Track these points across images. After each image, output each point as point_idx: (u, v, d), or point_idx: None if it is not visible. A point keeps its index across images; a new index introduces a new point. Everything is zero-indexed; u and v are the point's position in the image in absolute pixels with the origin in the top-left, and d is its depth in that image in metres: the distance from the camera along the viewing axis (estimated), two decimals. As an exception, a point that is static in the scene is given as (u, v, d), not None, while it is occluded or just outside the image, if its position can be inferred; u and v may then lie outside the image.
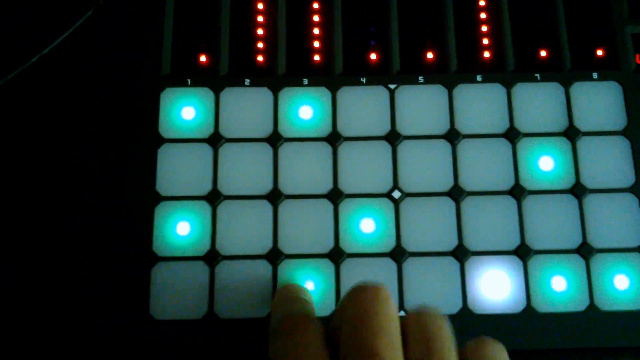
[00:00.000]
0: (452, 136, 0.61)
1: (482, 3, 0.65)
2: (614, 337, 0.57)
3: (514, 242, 0.59)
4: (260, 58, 0.64)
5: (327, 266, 0.58)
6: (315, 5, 0.65)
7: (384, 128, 0.62)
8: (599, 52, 0.64)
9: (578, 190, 0.60)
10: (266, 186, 0.60)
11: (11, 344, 0.58)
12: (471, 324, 0.57)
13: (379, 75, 0.63)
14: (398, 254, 0.58)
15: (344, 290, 0.57)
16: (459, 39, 0.65)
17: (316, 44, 0.64)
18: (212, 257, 0.58)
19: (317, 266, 0.58)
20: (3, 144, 0.63)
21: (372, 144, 0.61)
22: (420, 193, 0.60)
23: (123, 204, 0.59)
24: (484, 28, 0.65)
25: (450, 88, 0.63)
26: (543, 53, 0.64)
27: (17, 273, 0.59)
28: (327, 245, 0.59)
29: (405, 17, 0.65)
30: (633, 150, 0.61)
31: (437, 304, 0.57)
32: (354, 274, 0.58)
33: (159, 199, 0.60)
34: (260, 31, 0.65)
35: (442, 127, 0.62)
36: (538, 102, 0.62)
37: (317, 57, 0.64)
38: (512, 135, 0.61)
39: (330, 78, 0.63)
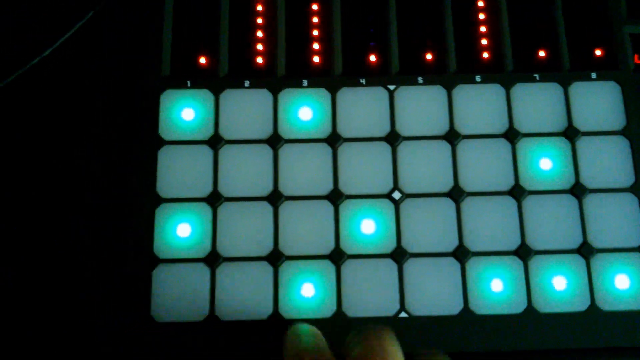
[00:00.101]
0: (452, 137, 0.61)
1: (480, 4, 0.65)
2: (614, 337, 0.57)
3: (514, 242, 0.59)
4: (259, 59, 0.64)
5: (328, 267, 0.58)
6: (315, 7, 0.65)
7: (384, 129, 0.62)
8: (598, 52, 0.64)
9: (578, 190, 0.60)
10: (266, 188, 0.60)
11: (12, 345, 0.58)
12: (472, 324, 0.57)
13: (378, 76, 0.63)
14: (399, 255, 0.58)
15: (345, 292, 0.58)
16: (458, 39, 0.65)
17: (316, 45, 0.64)
18: (212, 259, 0.58)
19: (317, 267, 0.58)
20: (3, 145, 0.63)
21: (372, 144, 0.61)
22: (421, 194, 0.60)
23: (123, 206, 0.59)
24: (483, 29, 0.65)
25: (449, 89, 0.63)
26: (542, 53, 0.64)
27: (17, 275, 0.59)
28: (328, 246, 0.59)
29: (404, 18, 0.65)
30: (632, 150, 0.61)
31: (438, 305, 0.57)
32: (355, 275, 0.58)
33: (159, 200, 0.60)
34: (259, 33, 0.65)
35: (442, 127, 0.62)
36: (537, 102, 0.62)
37: (316, 59, 0.64)
38: (511, 135, 0.61)
39: (330, 79, 0.63)
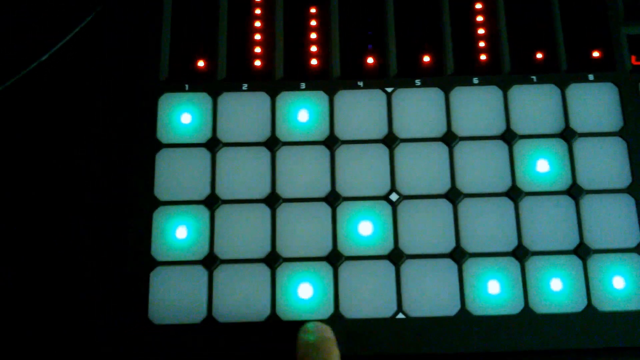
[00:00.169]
0: (449, 138, 0.61)
1: (478, 6, 0.66)
2: (611, 337, 0.57)
3: (511, 243, 0.59)
4: (257, 63, 0.64)
5: (326, 269, 0.58)
6: (313, 10, 0.66)
7: (382, 131, 0.62)
8: (595, 54, 0.64)
9: (575, 192, 0.60)
10: (264, 190, 0.60)
11: (12, 345, 0.58)
12: (469, 325, 0.57)
13: (376, 79, 0.63)
14: (396, 257, 0.59)
15: (343, 293, 0.58)
16: (456, 42, 0.65)
17: (313, 48, 0.65)
18: (210, 261, 0.58)
19: (315, 269, 0.58)
20: (3, 146, 0.63)
21: (370, 147, 0.61)
22: (418, 195, 0.60)
23: (122, 208, 0.60)
24: (481, 31, 0.65)
25: (447, 91, 0.63)
26: (539, 55, 0.64)
27: (17, 275, 0.60)
28: (326, 248, 0.59)
29: (402, 20, 0.65)
30: (629, 151, 0.61)
31: (435, 306, 0.57)
32: (352, 276, 0.58)
33: (157, 203, 0.60)
34: (257, 36, 0.65)
35: (439, 129, 0.62)
36: (534, 103, 0.62)
37: (314, 61, 0.64)
38: (508, 137, 0.61)
39: (328, 82, 0.63)
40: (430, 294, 0.58)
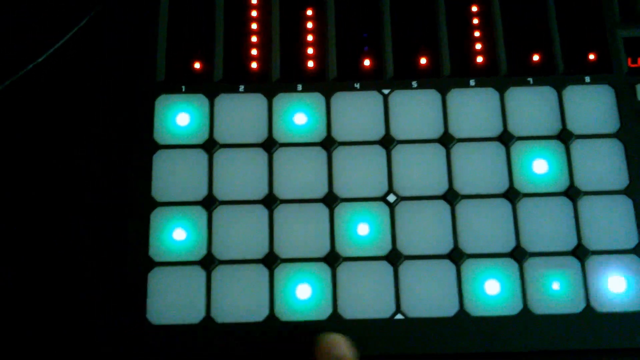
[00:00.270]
0: (446, 140, 0.61)
1: (474, 8, 0.66)
2: (609, 338, 0.57)
3: (509, 244, 0.59)
4: (254, 64, 0.64)
5: (324, 270, 0.58)
6: (309, 12, 0.66)
7: (379, 133, 0.62)
8: (592, 56, 0.64)
9: (572, 193, 0.60)
10: (262, 191, 0.60)
11: (12, 345, 0.58)
12: (468, 326, 0.57)
13: (372, 81, 0.63)
14: (394, 258, 0.58)
15: (341, 294, 0.58)
16: (452, 43, 0.65)
17: (310, 50, 0.65)
18: (208, 262, 0.58)
19: (313, 270, 0.58)
20: (3, 146, 0.63)
21: (367, 148, 0.61)
22: (415, 197, 0.60)
23: (119, 210, 0.59)
24: (477, 33, 0.65)
25: (443, 92, 0.63)
26: (536, 57, 0.64)
27: (17, 275, 0.59)
28: (323, 249, 0.59)
29: (398, 22, 0.65)
30: (626, 153, 0.61)
31: (434, 307, 0.57)
32: (351, 277, 0.58)
33: (154, 204, 0.60)
34: (254, 38, 0.65)
35: (436, 131, 0.62)
36: (531, 105, 0.63)
37: (311, 63, 0.64)
38: (505, 138, 0.61)
39: (325, 84, 0.63)
40: (428, 295, 0.58)
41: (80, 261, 0.58)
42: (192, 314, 0.57)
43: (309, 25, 0.65)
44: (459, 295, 0.58)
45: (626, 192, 0.60)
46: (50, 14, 0.66)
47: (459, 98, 0.63)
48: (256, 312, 0.57)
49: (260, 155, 0.61)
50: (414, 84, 0.63)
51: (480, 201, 0.60)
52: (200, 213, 0.59)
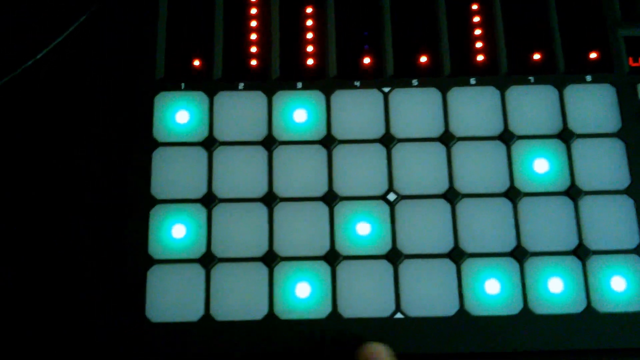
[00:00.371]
0: (447, 139, 0.61)
1: (475, 7, 0.65)
2: (611, 338, 0.57)
3: (510, 244, 0.59)
4: (254, 62, 0.64)
5: (323, 269, 0.58)
6: (309, 10, 0.65)
7: (379, 131, 0.62)
8: (593, 55, 0.64)
9: (573, 192, 0.60)
10: (261, 189, 0.60)
11: (12, 345, 0.58)
12: (468, 325, 0.57)
13: (373, 79, 0.63)
14: (394, 256, 0.58)
15: (340, 293, 0.57)
16: (453, 42, 0.65)
17: (310, 48, 0.64)
18: (207, 260, 0.58)
19: (313, 269, 0.58)
20: (3, 145, 0.63)
21: (367, 146, 0.61)
22: (416, 195, 0.60)
23: (118, 207, 0.59)
24: (478, 31, 0.65)
25: (444, 91, 0.63)
26: (537, 56, 0.64)
27: (19, 268, 0.59)
28: (323, 247, 0.59)
29: (398, 20, 0.65)
30: (627, 152, 0.61)
31: (434, 306, 0.57)
32: (350, 276, 0.58)
33: (154, 202, 0.59)
34: (254, 35, 0.65)
35: (437, 129, 0.62)
36: (532, 104, 0.62)
37: (310, 61, 0.64)
38: (506, 137, 0.61)
39: (325, 81, 0.63)
40: (428, 294, 0.58)
41: (79, 259, 0.58)
42: (191, 312, 0.57)
43: (309, 22, 0.65)
44: (459, 294, 0.58)
45: (627, 191, 0.60)
46: (50, 13, 0.66)
47: (459, 97, 0.63)
48: (255, 311, 0.57)
49: (260, 153, 0.61)
50: (415, 82, 0.63)
51: (481, 200, 0.60)
52: (199, 211, 0.59)
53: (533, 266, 0.58)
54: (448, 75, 0.64)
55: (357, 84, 0.63)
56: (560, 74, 0.63)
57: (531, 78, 0.63)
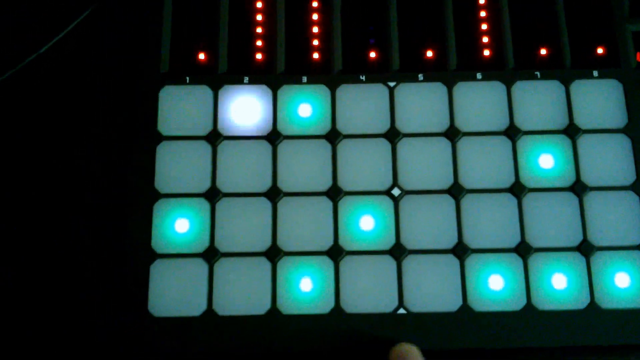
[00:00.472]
0: (452, 134, 0.61)
1: (481, 1, 0.65)
2: (614, 335, 0.57)
3: (514, 239, 0.59)
4: (259, 56, 0.64)
5: (327, 264, 0.58)
6: (315, 4, 0.65)
7: (384, 126, 0.61)
8: (600, 50, 0.64)
9: (578, 188, 0.60)
10: (265, 184, 0.60)
11: (12, 345, 0.58)
12: (471, 321, 0.57)
13: (378, 73, 0.63)
14: (398, 252, 0.58)
15: (343, 288, 0.57)
16: (459, 36, 0.64)
17: (315, 42, 0.64)
18: (211, 254, 0.58)
19: (316, 264, 0.58)
20: (3, 145, 0.63)
21: (372, 141, 0.61)
22: (420, 191, 0.60)
23: (122, 201, 0.59)
24: (484, 26, 0.65)
25: (450, 86, 0.62)
26: (543, 51, 0.64)
27: (19, 268, 0.59)
28: (327, 242, 0.58)
29: (404, 15, 0.65)
30: (634, 148, 0.61)
31: (437, 302, 0.57)
32: (354, 271, 0.58)
33: (157, 196, 0.59)
34: (259, 29, 0.65)
35: (442, 124, 0.62)
36: (538, 99, 0.62)
37: (316, 55, 0.64)
38: (512, 133, 0.61)
39: (330, 76, 0.63)
40: (431, 290, 0.58)
41: (82, 252, 0.59)
42: (194, 307, 0.57)
43: (315, 16, 0.65)
44: (462, 290, 0.58)
45: (633, 188, 0.60)
46: (51, 12, 0.66)
47: (465, 91, 0.62)
48: (258, 305, 0.57)
49: (264, 148, 0.61)
50: (420, 76, 0.63)
51: (486, 196, 0.60)
52: (203, 205, 0.59)
53: (537, 262, 0.58)
54: (454, 70, 0.63)
55: (363, 78, 0.63)
56: (567, 69, 0.63)
57: (537, 73, 0.63)
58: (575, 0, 0.65)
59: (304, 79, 0.63)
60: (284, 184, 0.60)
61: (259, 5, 0.65)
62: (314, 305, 0.57)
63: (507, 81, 0.63)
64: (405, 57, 0.64)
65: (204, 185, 0.60)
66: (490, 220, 0.59)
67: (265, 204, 0.59)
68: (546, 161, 0.60)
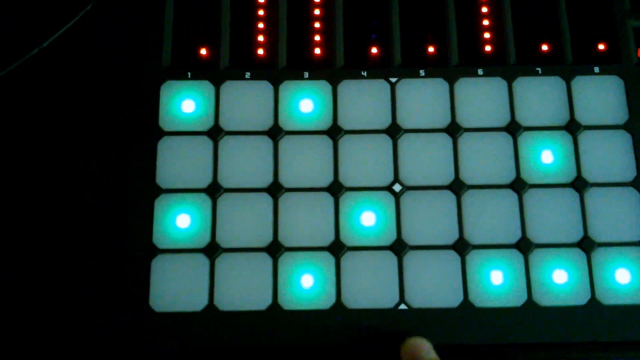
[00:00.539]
0: (453, 130, 0.61)
1: (483, -3, 0.65)
2: (614, 331, 0.57)
3: (515, 235, 0.59)
4: (260, 51, 0.64)
5: (328, 259, 0.58)
6: (316, -1, 0.65)
7: (385, 121, 0.61)
8: (601, 46, 0.64)
9: (579, 184, 0.60)
10: (266, 179, 0.60)
11: (12, 345, 0.58)
12: (472, 317, 0.57)
13: (380, 69, 0.63)
14: (399, 248, 0.58)
15: (345, 283, 0.57)
16: (460, 32, 0.64)
17: (317, 37, 0.64)
18: (212, 250, 0.58)
19: (317, 259, 0.58)
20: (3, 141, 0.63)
21: (373, 137, 0.61)
22: (421, 186, 0.60)
23: (123, 196, 0.59)
24: (486, 22, 0.65)
25: (451, 81, 0.63)
26: (544, 47, 0.64)
27: (19, 268, 0.59)
28: (328, 238, 0.59)
29: (406, 10, 0.65)
30: (634, 144, 0.61)
31: (438, 298, 0.57)
32: (355, 267, 0.58)
33: (159, 191, 0.59)
34: (261, 24, 0.65)
35: (443, 120, 0.62)
36: (539, 95, 0.62)
37: (317, 51, 0.64)
38: (513, 128, 0.61)
39: (331, 71, 0.63)
40: (433, 286, 0.58)
41: (83, 249, 0.59)
42: (195, 302, 0.57)
43: (317, 12, 0.65)
44: (463, 286, 0.58)
45: (633, 184, 0.60)
46: (51, 10, 0.66)
47: (466, 87, 0.63)
48: (259, 301, 0.57)
49: (266, 143, 0.61)
50: (422, 72, 0.63)
51: (487, 192, 0.60)
52: (204, 200, 0.59)
53: (538, 258, 0.58)
54: (455, 65, 0.63)
55: (364, 74, 0.63)
56: (568, 65, 0.63)
57: (539, 69, 0.63)
58: (576, -4, 0.65)
59: (306, 74, 0.63)
60: (285, 180, 0.60)
61: (261, 0, 0.65)
62: (315, 300, 0.57)
63: (509, 77, 0.63)
64: (406, 53, 0.64)
65: (206, 180, 0.60)
66: (491, 216, 0.59)
67: (266, 200, 0.59)
68: (547, 157, 0.61)
